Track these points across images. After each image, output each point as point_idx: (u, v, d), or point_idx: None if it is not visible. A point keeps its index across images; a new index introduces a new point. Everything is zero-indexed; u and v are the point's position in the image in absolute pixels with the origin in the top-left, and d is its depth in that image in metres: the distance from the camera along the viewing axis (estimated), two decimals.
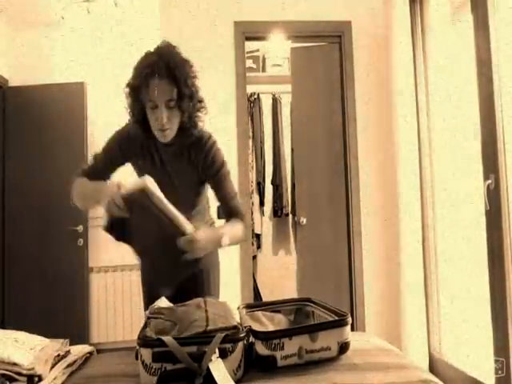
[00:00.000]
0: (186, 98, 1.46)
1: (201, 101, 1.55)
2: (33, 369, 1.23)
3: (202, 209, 1.84)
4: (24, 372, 1.22)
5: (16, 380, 1.22)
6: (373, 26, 3.21)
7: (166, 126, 1.48)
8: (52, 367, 1.31)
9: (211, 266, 1.83)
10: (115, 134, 1.66)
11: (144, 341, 1.17)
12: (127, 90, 1.51)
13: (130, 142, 1.61)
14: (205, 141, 1.62)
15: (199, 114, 1.56)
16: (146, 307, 1.74)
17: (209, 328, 1.20)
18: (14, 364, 1.22)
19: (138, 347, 1.17)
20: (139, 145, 1.61)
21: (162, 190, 1.50)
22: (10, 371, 1.21)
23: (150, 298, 1.69)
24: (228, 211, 1.70)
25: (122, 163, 1.67)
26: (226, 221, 1.70)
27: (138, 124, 1.54)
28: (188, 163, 1.62)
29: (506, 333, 2.01)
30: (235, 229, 1.64)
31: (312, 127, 3.39)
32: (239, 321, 1.35)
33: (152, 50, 1.53)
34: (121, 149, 1.63)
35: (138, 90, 1.47)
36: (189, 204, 1.71)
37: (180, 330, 1.21)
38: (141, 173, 1.64)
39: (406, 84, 2.82)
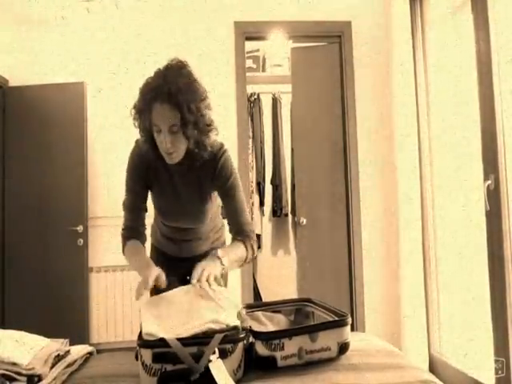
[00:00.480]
0: (190, 125, 1.43)
1: (209, 124, 1.51)
2: (32, 368, 1.23)
3: (216, 221, 1.84)
4: (24, 372, 1.22)
5: (16, 380, 1.22)
6: (373, 25, 3.21)
7: (170, 150, 1.45)
8: (52, 367, 1.31)
9: (215, 248, 1.80)
10: (129, 159, 1.65)
11: (144, 341, 1.16)
12: (133, 111, 1.50)
13: (142, 157, 1.61)
14: (215, 158, 1.59)
15: (208, 136, 1.52)
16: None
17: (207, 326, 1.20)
18: (14, 364, 1.22)
19: (138, 348, 1.17)
20: (150, 161, 1.59)
21: (171, 206, 1.59)
22: (10, 371, 1.21)
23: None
24: (234, 229, 1.63)
25: (147, 181, 1.65)
26: (232, 240, 1.63)
27: (148, 143, 1.53)
28: (198, 181, 1.61)
29: (505, 333, 2.01)
30: (234, 253, 1.55)
31: (312, 127, 3.39)
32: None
33: (161, 68, 1.49)
34: (137, 168, 1.63)
35: (142, 113, 1.46)
36: (198, 220, 1.71)
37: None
38: (151, 188, 1.65)
39: (406, 84, 2.82)
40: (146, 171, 1.61)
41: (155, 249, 1.90)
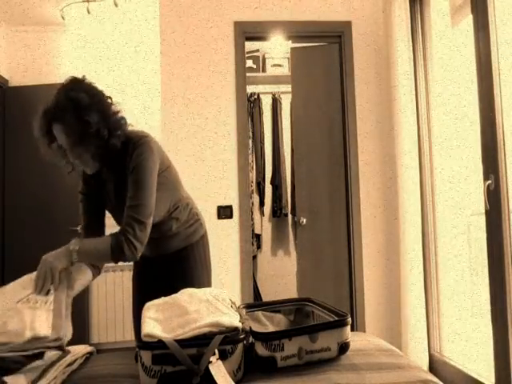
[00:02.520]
0: (76, 135, 1.46)
1: (90, 127, 1.47)
2: (59, 339, 1.25)
3: (185, 216, 1.79)
4: (52, 345, 1.24)
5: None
6: (373, 25, 3.21)
7: (79, 164, 1.54)
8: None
9: (192, 244, 1.82)
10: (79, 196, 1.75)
11: (144, 343, 1.16)
12: (41, 145, 1.54)
13: (84, 182, 1.71)
14: (126, 147, 1.56)
15: (115, 134, 1.52)
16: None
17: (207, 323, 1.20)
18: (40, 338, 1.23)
19: (137, 349, 1.17)
20: (87, 180, 1.68)
21: (117, 211, 1.58)
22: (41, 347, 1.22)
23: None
24: (125, 214, 1.50)
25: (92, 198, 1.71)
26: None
27: (70, 164, 1.60)
28: (122, 177, 1.58)
29: (506, 332, 2.01)
30: (94, 244, 1.49)
31: (312, 127, 3.39)
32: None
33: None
34: (83, 193, 1.73)
35: (48, 141, 1.52)
36: (170, 219, 1.72)
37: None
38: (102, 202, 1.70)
39: (406, 84, 2.82)
40: (87, 192, 1.70)
41: None
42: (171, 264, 1.78)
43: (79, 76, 1.56)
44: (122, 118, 1.58)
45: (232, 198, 3.09)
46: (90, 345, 1.64)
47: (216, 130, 3.11)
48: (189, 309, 1.28)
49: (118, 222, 1.68)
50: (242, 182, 3.10)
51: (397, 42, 2.83)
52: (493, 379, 2.11)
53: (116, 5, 3.38)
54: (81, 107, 1.45)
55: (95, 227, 1.69)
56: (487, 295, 2.13)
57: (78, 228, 3.93)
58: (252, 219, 4.17)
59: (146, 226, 1.48)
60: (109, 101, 1.56)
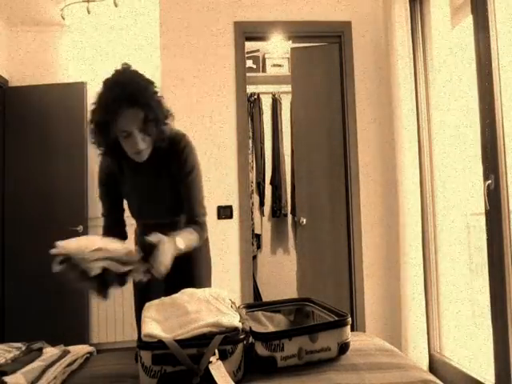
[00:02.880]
0: (153, 121, 1.49)
1: (166, 115, 1.56)
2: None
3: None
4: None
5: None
6: (373, 26, 3.21)
7: (136, 150, 1.52)
8: None
9: (198, 255, 1.85)
10: (98, 175, 1.75)
11: (144, 343, 1.16)
12: (93, 127, 1.52)
13: (107, 172, 1.69)
14: (176, 146, 1.63)
15: (166, 126, 1.57)
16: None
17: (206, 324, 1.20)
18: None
19: (137, 349, 1.17)
20: (115, 172, 1.68)
21: (145, 204, 1.65)
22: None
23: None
24: (189, 217, 1.66)
25: (116, 191, 1.73)
26: (185, 226, 1.65)
27: (109, 154, 1.60)
28: (162, 171, 1.66)
29: (506, 332, 2.01)
30: (189, 240, 1.58)
31: (312, 127, 3.39)
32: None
33: (111, 77, 1.51)
34: (105, 184, 1.72)
35: (106, 125, 1.48)
36: (173, 212, 1.75)
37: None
38: (124, 192, 1.73)
39: (406, 83, 2.82)
40: (113, 183, 1.70)
41: None
42: (175, 263, 1.78)
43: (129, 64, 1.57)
44: (171, 115, 1.62)
45: (232, 198, 3.09)
46: (90, 345, 1.64)
47: (216, 130, 3.11)
48: (189, 309, 1.28)
49: (138, 208, 1.75)
50: (242, 182, 3.10)
51: (397, 42, 2.83)
52: (493, 379, 2.11)
53: (116, 5, 3.38)
54: (155, 93, 1.51)
55: (119, 216, 1.76)
56: (487, 295, 2.13)
57: (78, 228, 3.94)
58: (252, 219, 4.17)
59: (205, 225, 1.70)
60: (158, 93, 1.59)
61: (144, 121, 1.47)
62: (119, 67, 1.54)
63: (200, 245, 1.70)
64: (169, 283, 1.64)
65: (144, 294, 1.76)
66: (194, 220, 1.65)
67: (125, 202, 1.79)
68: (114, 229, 1.74)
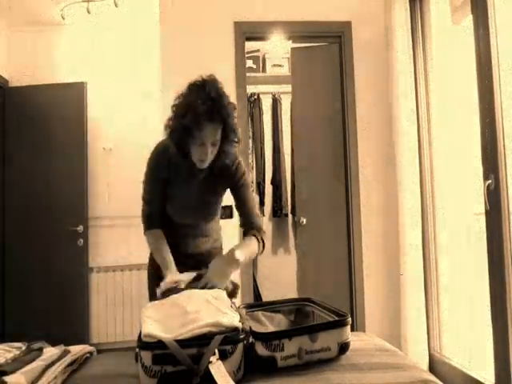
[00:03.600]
0: (229, 140, 1.62)
1: (238, 140, 1.68)
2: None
3: (217, 226, 2.00)
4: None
5: None
6: (373, 25, 3.21)
7: (204, 159, 1.60)
8: None
9: (217, 247, 1.99)
10: (152, 155, 1.75)
11: (144, 343, 1.16)
12: (177, 124, 1.56)
13: (164, 156, 1.71)
14: (233, 164, 1.76)
15: (235, 147, 1.69)
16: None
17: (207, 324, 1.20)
18: None
19: (137, 350, 1.17)
20: (171, 160, 1.69)
21: (185, 203, 1.73)
22: None
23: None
24: (247, 223, 1.80)
25: (165, 177, 1.74)
26: (244, 234, 1.80)
27: (177, 147, 1.62)
28: (214, 183, 1.76)
29: (506, 333, 2.01)
30: (249, 250, 1.71)
31: (312, 127, 3.39)
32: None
33: (201, 85, 1.60)
34: (158, 164, 1.73)
35: (189, 130, 1.54)
36: (206, 218, 1.86)
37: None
38: (170, 187, 1.75)
39: (407, 83, 2.82)
40: (166, 168, 1.72)
41: None
42: (197, 264, 1.79)
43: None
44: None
45: (232, 198, 3.08)
46: (90, 345, 1.64)
47: None
48: (188, 309, 1.28)
49: (179, 213, 1.79)
50: None
51: (397, 42, 2.84)
52: (493, 379, 2.12)
53: (116, 5, 3.38)
54: (234, 117, 1.60)
55: (158, 213, 1.78)
56: (487, 295, 2.13)
57: (78, 228, 3.93)
58: None
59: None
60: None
61: (219, 138, 1.57)
62: (205, 76, 1.65)
63: (262, 251, 1.79)
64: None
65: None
66: (251, 223, 1.78)
67: None
68: (158, 217, 1.77)
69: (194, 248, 1.86)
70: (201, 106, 1.51)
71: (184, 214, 1.80)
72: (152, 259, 1.89)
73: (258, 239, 1.74)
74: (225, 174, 1.75)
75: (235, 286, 1.59)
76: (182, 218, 1.81)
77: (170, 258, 1.65)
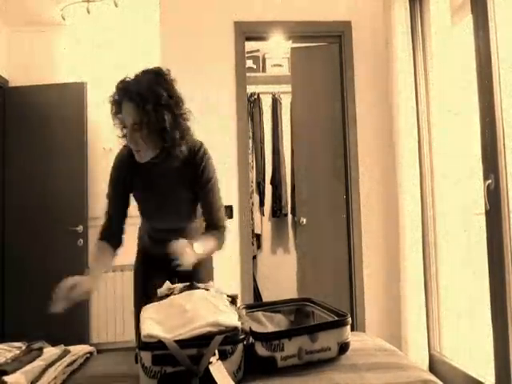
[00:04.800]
0: (147, 124, 1.50)
1: (182, 128, 1.57)
2: None
3: (199, 222, 1.85)
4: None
5: None
6: (373, 26, 3.21)
7: (135, 147, 1.54)
8: None
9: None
10: (114, 159, 1.73)
11: (144, 344, 1.16)
12: (110, 106, 1.56)
13: (122, 161, 1.69)
14: (194, 155, 1.67)
15: (180, 131, 1.57)
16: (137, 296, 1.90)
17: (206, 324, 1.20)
18: None
19: (137, 350, 1.17)
20: (130, 165, 1.66)
21: (155, 207, 1.67)
22: None
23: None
24: (209, 222, 1.73)
25: (127, 185, 1.71)
26: (205, 231, 1.73)
27: (125, 146, 1.62)
28: (179, 179, 1.68)
29: (506, 333, 2.01)
30: (207, 246, 1.64)
31: (312, 127, 3.39)
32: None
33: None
34: (117, 171, 1.71)
35: (115, 108, 1.55)
36: (185, 219, 1.78)
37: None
38: (134, 192, 1.73)
39: (407, 83, 2.82)
40: (126, 175, 1.68)
41: (142, 251, 1.97)
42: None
43: (165, 69, 1.61)
44: (189, 128, 1.64)
45: (232, 198, 3.09)
46: (90, 345, 1.64)
47: (216, 130, 3.11)
48: (187, 307, 1.28)
49: (152, 211, 1.76)
50: (242, 182, 3.10)
51: (397, 42, 2.83)
52: (493, 379, 2.11)
53: (116, 5, 3.38)
54: (159, 103, 1.50)
55: (116, 227, 1.74)
56: (487, 295, 2.12)
57: (78, 228, 3.93)
58: (252, 219, 4.17)
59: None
60: (183, 106, 1.62)
61: (143, 121, 1.49)
62: (153, 68, 1.60)
63: (217, 249, 1.73)
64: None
65: (147, 294, 1.76)
66: (214, 224, 1.71)
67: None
68: (114, 234, 1.72)
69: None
70: (122, 83, 1.53)
71: (160, 217, 1.76)
72: (137, 256, 1.93)
73: (217, 240, 1.69)
74: (188, 169, 1.67)
75: (234, 297, 1.54)
76: (159, 222, 1.78)
77: (96, 272, 1.60)
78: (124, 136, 1.58)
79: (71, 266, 3.65)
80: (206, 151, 1.72)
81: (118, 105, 1.54)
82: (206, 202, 1.72)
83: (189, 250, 1.44)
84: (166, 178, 1.67)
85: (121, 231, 1.74)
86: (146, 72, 1.57)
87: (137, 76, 1.56)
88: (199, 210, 1.79)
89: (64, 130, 3.73)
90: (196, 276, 1.75)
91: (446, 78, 2.71)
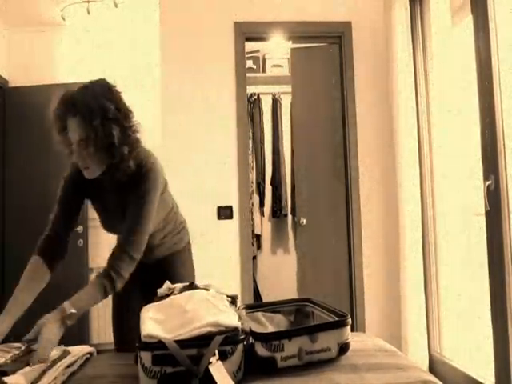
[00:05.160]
0: (93, 140, 1.43)
1: (127, 143, 1.48)
2: None
3: (171, 226, 1.80)
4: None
5: None
6: (373, 26, 3.21)
7: (83, 164, 1.48)
8: None
9: (178, 251, 1.85)
10: (62, 182, 1.67)
11: (144, 344, 1.16)
12: (53, 122, 1.53)
13: (71, 181, 1.63)
14: (139, 169, 1.53)
15: (129, 146, 1.49)
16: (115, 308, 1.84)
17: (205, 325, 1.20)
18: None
19: (137, 351, 1.17)
20: (80, 181, 1.59)
21: (110, 219, 1.62)
22: None
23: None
24: (116, 248, 1.52)
25: (79, 198, 1.66)
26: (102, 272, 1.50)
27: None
28: (126, 194, 1.56)
29: (506, 333, 2.01)
30: (88, 295, 1.50)
31: (312, 127, 3.39)
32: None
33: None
34: (66, 190, 1.64)
35: (59, 125, 1.51)
36: (157, 230, 1.70)
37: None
38: (95, 203, 1.69)
39: (407, 84, 2.82)
40: (80, 185, 1.62)
41: None
42: (155, 272, 1.76)
43: (110, 81, 1.55)
44: (138, 140, 1.55)
45: (232, 198, 3.09)
46: (90, 345, 1.64)
47: (216, 131, 3.11)
48: (187, 308, 1.28)
49: (109, 224, 1.71)
50: (242, 182, 3.10)
51: (397, 43, 2.83)
52: (493, 379, 2.11)
53: (116, 5, 3.38)
54: (107, 117, 1.43)
55: (67, 229, 1.71)
56: (487, 295, 2.12)
57: (78, 228, 3.92)
58: (252, 219, 4.17)
59: (136, 260, 1.50)
60: (132, 118, 1.54)
61: (89, 137, 1.42)
62: (97, 80, 1.52)
63: (179, 249, 1.70)
64: (151, 291, 1.60)
65: (124, 302, 1.78)
66: (118, 255, 1.49)
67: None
68: (56, 244, 1.70)
69: (145, 259, 1.60)
70: (65, 98, 1.46)
71: (115, 232, 1.69)
72: None
73: (102, 285, 1.47)
74: (133, 178, 1.53)
75: (234, 297, 1.53)
76: (114, 233, 1.72)
77: (14, 311, 1.52)
78: (70, 153, 1.52)
79: (71, 266, 3.65)
80: (151, 167, 1.55)
81: (62, 121, 1.48)
82: (127, 220, 1.52)
83: (46, 336, 1.32)
84: (115, 194, 1.60)
85: (64, 242, 1.73)
86: (90, 85, 1.50)
87: (81, 89, 1.47)
88: (158, 219, 1.68)
89: None
90: (175, 280, 1.61)
91: (446, 79, 2.71)
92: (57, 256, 1.68)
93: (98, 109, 1.42)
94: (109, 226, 1.72)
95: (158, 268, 1.79)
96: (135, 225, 1.51)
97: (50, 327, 1.38)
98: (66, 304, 1.42)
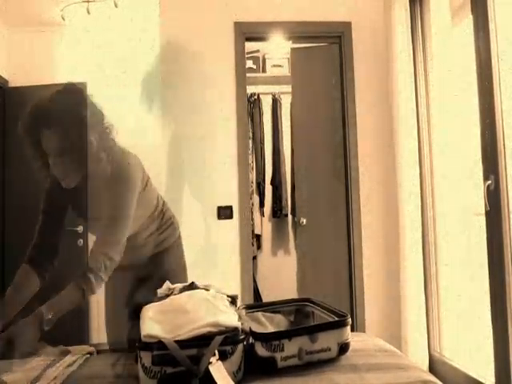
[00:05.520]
0: (70, 150, 1.40)
1: (102, 150, 1.46)
2: None
3: (156, 224, 1.77)
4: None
5: None
6: (373, 26, 3.21)
7: (61, 176, 1.46)
8: None
9: (166, 248, 1.82)
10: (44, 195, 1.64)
11: (144, 344, 1.16)
12: (23, 136, 1.47)
13: (52, 194, 1.60)
14: (113, 173, 1.51)
15: (106, 150, 1.48)
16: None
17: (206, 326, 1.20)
18: None
19: (137, 351, 1.17)
20: (60, 191, 1.55)
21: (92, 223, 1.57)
22: None
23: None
24: (95, 245, 1.50)
25: (60, 213, 1.64)
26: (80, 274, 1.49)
27: (45, 169, 1.51)
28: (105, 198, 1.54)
29: (506, 333, 2.01)
30: (65, 298, 1.49)
31: (312, 127, 3.39)
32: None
33: (54, 92, 1.46)
34: (49, 202, 1.62)
35: (32, 138, 1.46)
36: (141, 230, 1.68)
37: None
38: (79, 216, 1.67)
39: (407, 84, 2.82)
40: (58, 206, 1.60)
41: None
42: (145, 271, 1.75)
43: (79, 86, 1.51)
44: (114, 142, 1.53)
45: (232, 199, 3.09)
46: (90, 345, 1.64)
47: (216, 131, 3.11)
48: (187, 308, 1.28)
49: (93, 232, 1.71)
50: (242, 182, 3.10)
51: (397, 43, 2.83)
52: (493, 379, 2.11)
53: (116, 5, 3.37)
54: (83, 125, 1.41)
55: (54, 236, 1.67)
56: (487, 295, 2.12)
57: (78, 228, 3.93)
58: (252, 219, 4.17)
59: (115, 262, 1.47)
60: (105, 121, 1.51)
61: (65, 147, 1.39)
62: (66, 86, 1.48)
63: (168, 246, 1.67)
64: (143, 289, 1.60)
65: (116, 302, 1.77)
66: (94, 256, 1.48)
67: None
68: (44, 252, 1.66)
69: (126, 260, 1.59)
70: (38, 108, 1.43)
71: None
72: None
73: (81, 289, 1.48)
74: (112, 180, 1.51)
75: (234, 297, 1.53)
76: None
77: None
78: (42, 166, 1.48)
79: (71, 266, 3.65)
80: (125, 168, 1.53)
81: (34, 134, 1.44)
82: (104, 221, 1.50)
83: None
84: (94, 199, 1.57)
85: (54, 250, 1.70)
86: (59, 93, 1.46)
87: (52, 99, 1.43)
88: (144, 219, 1.67)
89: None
90: (166, 278, 1.59)
91: (446, 79, 2.71)
92: (45, 262, 1.67)
93: (73, 117, 1.39)
94: (93, 230, 1.72)
95: (149, 266, 1.77)
96: (112, 226, 1.48)
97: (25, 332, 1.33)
98: (43, 307, 1.39)
